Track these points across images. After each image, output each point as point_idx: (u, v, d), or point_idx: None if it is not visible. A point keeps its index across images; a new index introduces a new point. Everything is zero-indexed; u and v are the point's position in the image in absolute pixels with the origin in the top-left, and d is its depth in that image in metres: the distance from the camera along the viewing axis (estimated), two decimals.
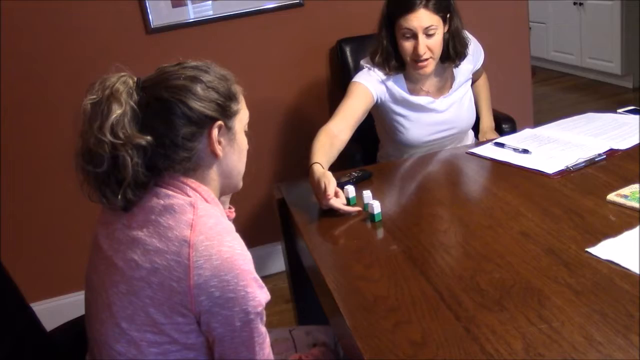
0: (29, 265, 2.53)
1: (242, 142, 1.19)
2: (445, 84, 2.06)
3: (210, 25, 2.49)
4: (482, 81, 2.30)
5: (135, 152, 1.04)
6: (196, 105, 1.08)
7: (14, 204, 2.46)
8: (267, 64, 2.59)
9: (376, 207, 1.51)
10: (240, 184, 1.23)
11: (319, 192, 1.60)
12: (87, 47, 2.39)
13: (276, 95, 2.64)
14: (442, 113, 2.05)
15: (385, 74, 1.98)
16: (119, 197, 1.05)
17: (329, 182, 1.58)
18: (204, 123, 1.09)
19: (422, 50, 1.87)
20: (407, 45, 1.89)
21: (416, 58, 1.90)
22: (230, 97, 1.13)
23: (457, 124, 2.09)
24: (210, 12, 2.49)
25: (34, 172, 2.47)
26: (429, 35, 1.87)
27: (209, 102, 1.09)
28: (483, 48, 2.16)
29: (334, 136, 1.86)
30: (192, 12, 2.47)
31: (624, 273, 1.17)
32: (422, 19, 1.84)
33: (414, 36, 1.87)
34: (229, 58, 2.51)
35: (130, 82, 1.08)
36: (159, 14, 2.43)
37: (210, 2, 2.48)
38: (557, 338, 1.02)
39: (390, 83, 2.00)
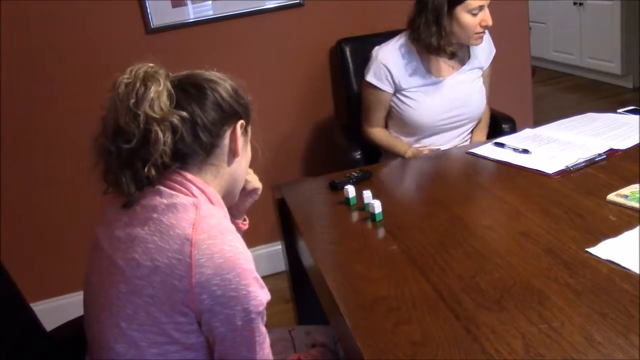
0: (29, 265, 2.53)
1: (249, 151, 1.23)
2: (458, 63, 2.18)
3: (210, 25, 2.49)
4: (486, 113, 2.36)
5: (168, 131, 1.05)
6: (226, 96, 1.13)
7: (14, 204, 2.46)
8: (267, 64, 2.59)
9: (377, 206, 1.51)
10: (237, 197, 1.27)
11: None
12: (87, 47, 2.39)
13: (276, 95, 2.64)
14: (453, 90, 2.14)
15: (400, 49, 2.13)
16: (146, 170, 1.05)
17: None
18: (231, 115, 1.13)
19: (490, 19, 2.04)
20: (475, 21, 2.03)
21: (480, 31, 2.05)
22: (249, 106, 1.19)
23: (468, 107, 2.17)
24: (210, 12, 2.49)
25: (34, 172, 2.47)
26: (487, 6, 2.05)
27: (235, 100, 1.15)
28: None
29: (381, 129, 2.21)
30: (192, 12, 2.47)
31: (624, 273, 1.17)
32: None
33: (480, 10, 2.02)
34: (229, 58, 2.51)
35: (162, 70, 1.11)
36: (159, 14, 2.42)
37: (210, 2, 2.48)
38: (557, 338, 1.02)
39: (401, 68, 2.12)
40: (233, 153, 1.16)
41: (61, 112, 2.42)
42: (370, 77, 2.15)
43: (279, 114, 2.66)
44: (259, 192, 1.42)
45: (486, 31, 2.21)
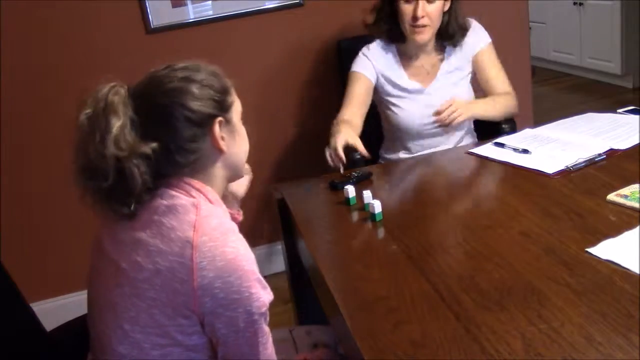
0: (29, 265, 2.52)
1: (241, 131, 1.19)
2: (434, 68, 2.11)
3: (210, 25, 2.50)
4: (503, 97, 2.11)
5: (141, 162, 1.03)
6: (195, 105, 1.08)
7: (14, 204, 2.46)
8: (266, 64, 2.59)
9: (377, 206, 1.51)
10: (244, 171, 1.25)
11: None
12: (87, 47, 2.39)
13: (275, 95, 2.64)
14: (433, 97, 2.08)
15: (382, 48, 2.08)
16: (132, 206, 1.05)
17: (341, 136, 1.78)
18: (205, 122, 1.09)
19: (420, 12, 1.92)
20: (407, 8, 1.94)
21: (414, 23, 1.95)
22: (224, 91, 1.14)
23: None
24: (210, 12, 2.49)
25: (34, 172, 2.47)
26: (429, 2, 1.93)
27: (206, 100, 1.09)
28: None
29: (347, 121, 1.94)
30: (192, 12, 2.48)
31: (624, 273, 1.17)
32: None
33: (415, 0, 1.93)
34: (228, 58, 2.51)
35: (122, 91, 1.07)
36: (159, 14, 2.42)
37: (210, 2, 2.48)
38: (557, 338, 1.02)
39: (384, 65, 2.08)
40: (219, 151, 1.13)
41: (61, 113, 2.42)
42: (354, 67, 2.10)
43: (278, 114, 2.66)
44: (249, 172, 1.38)
45: (473, 22, 2.13)
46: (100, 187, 1.04)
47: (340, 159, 1.74)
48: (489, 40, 2.13)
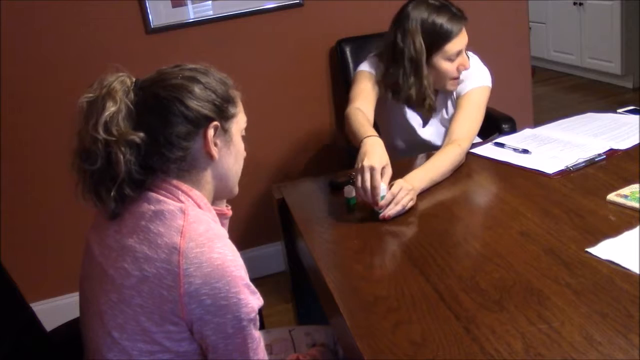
0: (29, 265, 2.52)
1: (238, 146, 1.18)
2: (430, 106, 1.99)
3: (210, 25, 2.50)
4: (445, 151, 1.77)
5: (128, 149, 1.03)
6: (193, 104, 1.08)
7: (13, 204, 2.46)
8: (266, 64, 2.59)
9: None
10: (236, 190, 1.22)
11: (363, 174, 1.51)
12: (87, 47, 2.39)
13: (276, 95, 2.64)
14: (425, 138, 2.03)
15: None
16: (112, 194, 1.04)
17: (378, 169, 1.51)
18: (200, 122, 1.08)
19: (468, 63, 1.87)
20: (453, 66, 1.87)
21: (456, 75, 1.88)
22: (228, 100, 1.13)
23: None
24: (210, 12, 2.49)
25: (34, 172, 2.47)
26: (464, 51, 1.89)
27: (206, 102, 1.09)
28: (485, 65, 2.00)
29: (365, 113, 1.82)
30: (192, 12, 2.48)
31: (624, 273, 1.17)
32: (465, 35, 1.85)
33: (458, 54, 1.85)
34: (228, 58, 2.52)
35: (128, 81, 1.09)
36: (159, 14, 2.43)
37: (210, 2, 2.48)
38: (557, 338, 1.02)
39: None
40: (209, 157, 1.11)
41: (61, 113, 2.42)
42: (363, 67, 1.98)
43: (279, 114, 2.66)
44: None
45: (474, 59, 1.96)
46: (91, 171, 1.05)
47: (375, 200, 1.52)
48: (483, 83, 1.92)
